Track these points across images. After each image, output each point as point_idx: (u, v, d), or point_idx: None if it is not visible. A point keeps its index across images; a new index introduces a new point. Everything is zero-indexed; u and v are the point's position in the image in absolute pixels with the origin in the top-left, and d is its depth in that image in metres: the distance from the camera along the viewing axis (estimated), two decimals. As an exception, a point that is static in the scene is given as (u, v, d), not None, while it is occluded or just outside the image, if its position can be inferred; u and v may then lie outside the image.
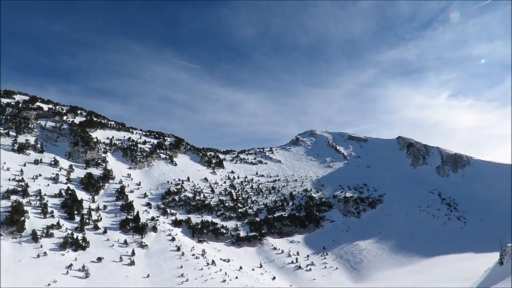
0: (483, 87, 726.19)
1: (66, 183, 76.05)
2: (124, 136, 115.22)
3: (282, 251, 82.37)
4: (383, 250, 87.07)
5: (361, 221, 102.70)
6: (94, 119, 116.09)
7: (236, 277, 61.64)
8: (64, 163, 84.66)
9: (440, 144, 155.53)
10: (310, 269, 76.21)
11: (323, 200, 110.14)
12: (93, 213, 69.28)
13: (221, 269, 62.49)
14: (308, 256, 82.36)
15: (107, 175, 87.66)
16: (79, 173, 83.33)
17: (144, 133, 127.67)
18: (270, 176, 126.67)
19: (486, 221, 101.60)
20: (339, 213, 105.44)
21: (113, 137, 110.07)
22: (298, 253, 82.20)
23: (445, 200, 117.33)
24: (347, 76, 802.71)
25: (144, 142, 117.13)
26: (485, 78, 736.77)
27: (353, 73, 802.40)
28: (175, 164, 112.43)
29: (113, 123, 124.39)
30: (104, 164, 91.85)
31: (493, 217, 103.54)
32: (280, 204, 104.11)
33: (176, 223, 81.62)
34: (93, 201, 75.11)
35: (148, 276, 54.93)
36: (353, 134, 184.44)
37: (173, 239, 69.39)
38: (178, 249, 65.74)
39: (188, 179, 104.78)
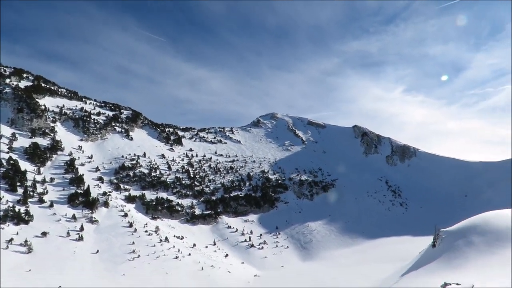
0: (434, 85, 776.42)
1: (7, 152, 70.22)
2: (76, 106, 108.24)
3: (236, 230, 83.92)
4: (332, 231, 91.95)
5: (313, 204, 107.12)
6: (43, 84, 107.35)
7: (189, 254, 61.99)
8: (6, 130, 77.86)
9: (392, 135, 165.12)
10: (262, 248, 78.67)
11: (279, 182, 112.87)
12: (38, 185, 65.12)
13: (174, 246, 62.39)
14: (261, 235, 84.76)
15: (56, 146, 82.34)
16: (23, 142, 77.29)
17: (98, 104, 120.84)
18: (229, 156, 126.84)
19: (425, 208, 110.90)
20: (293, 195, 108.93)
21: (63, 105, 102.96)
22: (251, 232, 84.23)
23: (391, 187, 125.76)
24: (311, 62, 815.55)
25: (98, 114, 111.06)
26: (436, 77, 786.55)
27: (317, 60, 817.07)
28: (131, 139, 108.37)
29: (64, 90, 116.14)
30: (52, 134, 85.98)
31: (431, 204, 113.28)
32: (237, 184, 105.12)
33: (130, 199, 79.51)
34: (39, 173, 70.47)
35: (97, 252, 53.40)
36: (313, 120, 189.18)
37: (125, 215, 67.63)
38: (131, 225, 64.35)
39: (144, 155, 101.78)
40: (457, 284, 23.50)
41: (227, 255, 71.11)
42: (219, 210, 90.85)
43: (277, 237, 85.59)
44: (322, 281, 55.88)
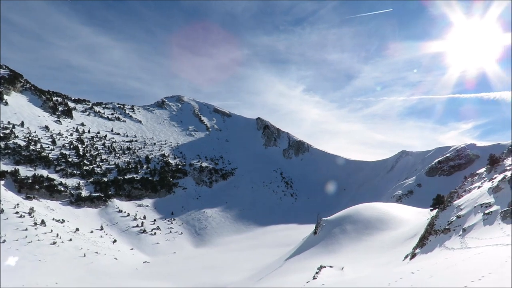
0: (329, 89, 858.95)
1: None
2: None
3: (128, 214, 79.27)
4: (227, 218, 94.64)
5: (211, 191, 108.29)
6: None
7: (70, 240, 56.16)
8: None
9: (290, 131, 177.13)
10: (155, 233, 76.14)
11: (179, 167, 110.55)
12: None
13: (52, 230, 55.66)
14: (155, 220, 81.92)
15: None
16: None
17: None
18: (127, 136, 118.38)
19: (311, 198, 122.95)
20: (192, 181, 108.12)
21: None
22: (145, 217, 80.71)
23: (285, 178, 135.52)
24: (222, 49, 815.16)
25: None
26: (331, 82, 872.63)
27: (228, 48, 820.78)
28: (6, 103, 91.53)
29: None
30: None
31: (317, 195, 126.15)
32: (133, 166, 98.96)
33: (-2, 175, 67.51)
34: None
35: None
36: (219, 108, 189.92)
37: (-10, 193, 57.20)
38: (-4, 205, 54.76)
39: (22, 124, 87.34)
40: (331, 266, 26.90)
41: (115, 240, 66.66)
42: (110, 192, 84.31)
43: (172, 223, 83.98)
44: (211, 265, 57.19)
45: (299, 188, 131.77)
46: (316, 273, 24.38)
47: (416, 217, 37.89)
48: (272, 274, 36.31)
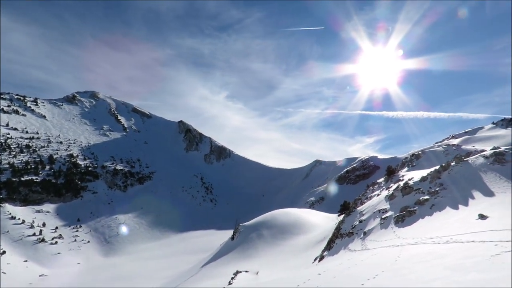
0: (251, 97, 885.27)
1: None
2: None
3: (23, 221, 69.43)
4: (141, 225, 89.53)
5: (126, 195, 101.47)
6: None
7: None
8: None
9: (212, 135, 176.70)
10: (56, 242, 68.02)
11: (90, 169, 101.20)
12: None
13: None
14: (57, 228, 73.29)
15: None
16: None
17: None
18: (27, 132, 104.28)
19: (231, 204, 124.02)
20: (104, 184, 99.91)
21: None
22: (44, 225, 71.63)
23: (205, 184, 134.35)
24: (143, 47, 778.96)
25: None
26: (254, 90, 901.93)
27: (150, 46, 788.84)
28: None
29: None
30: None
31: (236, 201, 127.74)
32: (33, 166, 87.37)
33: None
34: None
35: None
36: (138, 108, 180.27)
37: None
38: None
39: None
40: (246, 271, 27.41)
41: (4, 252, 57.63)
42: (1, 196, 72.98)
43: (78, 231, 76.16)
44: (122, 275, 53.47)
45: (219, 193, 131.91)
46: (232, 278, 24.61)
47: (326, 221, 41.05)
48: (188, 282, 35.51)
